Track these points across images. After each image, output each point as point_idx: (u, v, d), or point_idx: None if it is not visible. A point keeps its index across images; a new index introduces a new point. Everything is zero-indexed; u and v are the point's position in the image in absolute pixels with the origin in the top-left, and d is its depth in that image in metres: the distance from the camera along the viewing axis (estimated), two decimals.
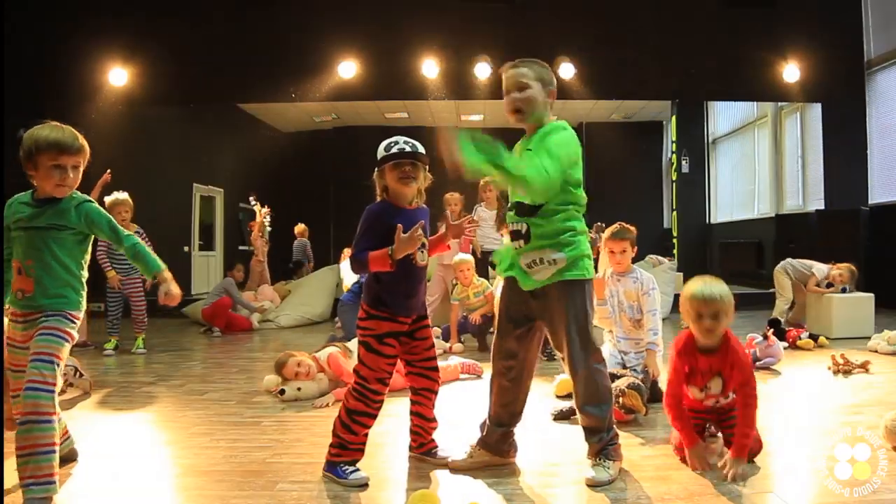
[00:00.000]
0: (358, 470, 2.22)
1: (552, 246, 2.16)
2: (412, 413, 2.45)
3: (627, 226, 3.42)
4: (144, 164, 7.43)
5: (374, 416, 2.26)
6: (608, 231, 3.47)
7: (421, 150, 2.27)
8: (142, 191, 5.36)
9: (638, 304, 3.38)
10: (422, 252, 2.25)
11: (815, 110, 7.96)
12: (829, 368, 3.91)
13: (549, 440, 2.69)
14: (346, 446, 2.23)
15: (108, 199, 4.81)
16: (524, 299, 2.26)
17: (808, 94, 7.70)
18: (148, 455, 2.55)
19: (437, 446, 2.45)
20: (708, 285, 2.27)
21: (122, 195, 4.90)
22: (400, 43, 7.39)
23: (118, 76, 7.22)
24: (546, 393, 3.50)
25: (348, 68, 7.36)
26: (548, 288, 2.19)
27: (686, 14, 7.51)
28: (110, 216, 2.28)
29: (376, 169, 2.27)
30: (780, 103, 8.75)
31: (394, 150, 2.23)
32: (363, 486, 2.17)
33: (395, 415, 3.11)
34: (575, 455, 2.48)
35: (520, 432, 2.70)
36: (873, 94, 7.55)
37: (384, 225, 2.18)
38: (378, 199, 2.30)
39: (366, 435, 2.27)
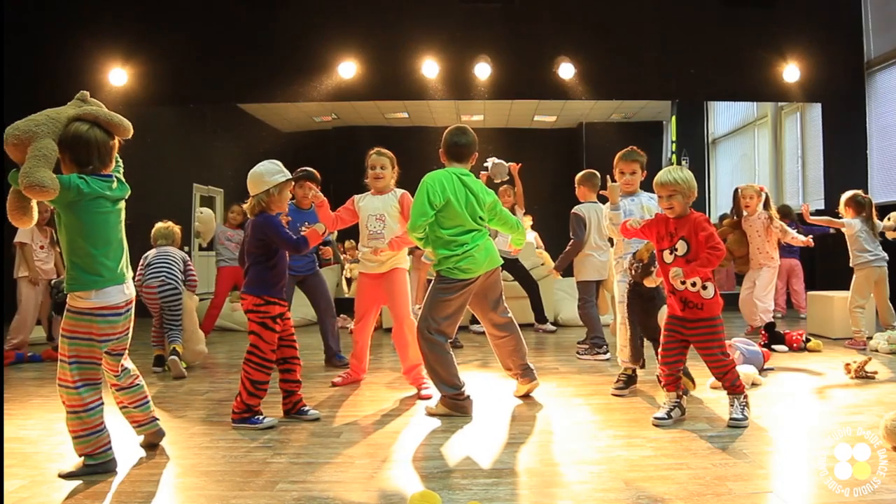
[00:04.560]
0: (266, 416, 2.91)
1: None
2: (283, 381, 3.07)
3: (638, 150, 3.89)
4: (144, 164, 7.40)
5: (269, 380, 2.95)
6: (620, 153, 3.89)
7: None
8: (142, 191, 5.34)
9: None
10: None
11: (815, 110, 7.94)
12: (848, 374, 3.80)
13: (549, 440, 2.69)
14: (252, 408, 2.91)
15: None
16: None
17: (808, 94, 7.69)
18: (148, 455, 2.55)
19: (306, 405, 3.08)
20: (667, 172, 2.85)
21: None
22: (400, 43, 7.38)
23: (118, 76, 7.20)
24: (548, 394, 3.50)
25: (348, 68, 7.35)
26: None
27: (686, 14, 7.49)
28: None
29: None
30: (780, 103, 8.74)
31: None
32: (274, 427, 2.86)
33: (396, 415, 3.12)
34: (576, 455, 2.48)
35: (521, 432, 2.71)
36: (873, 94, 7.54)
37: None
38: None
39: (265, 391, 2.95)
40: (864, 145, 7.54)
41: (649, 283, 3.26)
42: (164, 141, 8.14)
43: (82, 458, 2.33)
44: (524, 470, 2.33)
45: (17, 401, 3.46)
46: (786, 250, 6.17)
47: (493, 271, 3.22)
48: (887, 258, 4.82)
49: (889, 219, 4.84)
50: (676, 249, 2.83)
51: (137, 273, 4.29)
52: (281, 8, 7.43)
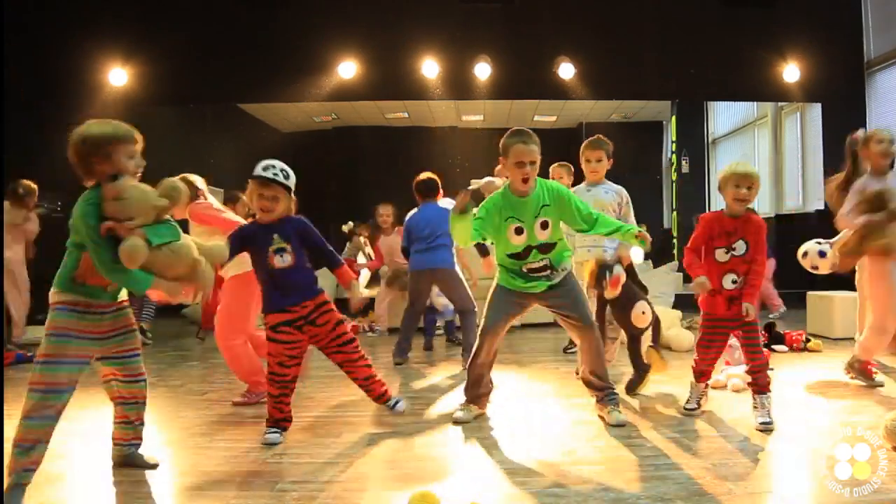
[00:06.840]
0: (275, 432, 2.69)
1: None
2: (357, 384, 2.94)
3: (604, 138, 3.84)
4: (144, 164, 7.42)
5: (287, 394, 2.75)
6: (586, 141, 3.86)
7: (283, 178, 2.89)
8: None
9: (606, 213, 3.64)
10: (280, 256, 2.73)
11: (815, 110, 7.95)
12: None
13: (549, 440, 2.69)
14: (269, 418, 2.74)
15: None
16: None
17: (808, 94, 7.69)
18: (148, 455, 2.55)
19: (391, 397, 2.98)
20: (744, 164, 2.88)
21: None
22: (400, 43, 7.38)
23: (118, 76, 7.20)
24: (546, 393, 3.50)
25: (348, 68, 7.35)
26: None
27: (686, 14, 7.50)
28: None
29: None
30: (780, 103, 8.74)
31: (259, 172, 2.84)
32: (273, 444, 2.64)
33: (395, 415, 3.12)
34: (577, 454, 2.48)
35: (521, 432, 2.70)
36: (873, 94, 7.54)
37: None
38: None
39: (288, 410, 2.77)
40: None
41: (608, 294, 3.30)
42: (165, 141, 8.14)
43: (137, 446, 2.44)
44: (524, 470, 2.33)
45: (18, 401, 3.44)
46: None
47: None
48: None
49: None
50: (734, 249, 2.83)
51: None
52: (281, 8, 7.43)
